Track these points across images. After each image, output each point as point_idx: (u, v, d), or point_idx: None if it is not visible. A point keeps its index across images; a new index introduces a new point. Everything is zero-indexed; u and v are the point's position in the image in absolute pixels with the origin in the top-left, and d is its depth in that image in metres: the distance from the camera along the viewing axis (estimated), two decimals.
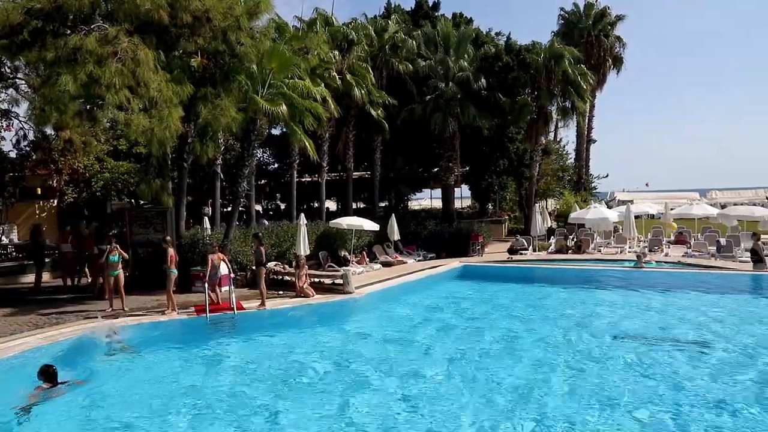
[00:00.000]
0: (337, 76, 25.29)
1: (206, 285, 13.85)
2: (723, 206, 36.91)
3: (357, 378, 9.53)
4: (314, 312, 14.76)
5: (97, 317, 12.83)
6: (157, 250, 15.20)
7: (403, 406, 8.20)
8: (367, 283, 17.50)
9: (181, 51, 15.21)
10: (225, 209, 27.47)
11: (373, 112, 28.01)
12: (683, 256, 23.23)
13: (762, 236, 25.40)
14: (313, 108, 18.94)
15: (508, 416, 7.79)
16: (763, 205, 35.18)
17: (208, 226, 21.16)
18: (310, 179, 35.40)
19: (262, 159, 36.25)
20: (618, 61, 44.08)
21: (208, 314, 13.24)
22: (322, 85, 21.95)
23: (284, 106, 17.61)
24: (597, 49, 42.49)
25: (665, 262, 21.91)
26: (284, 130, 21.83)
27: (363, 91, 26.96)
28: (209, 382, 9.44)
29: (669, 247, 25.64)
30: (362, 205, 39.48)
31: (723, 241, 24.29)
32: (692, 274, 19.15)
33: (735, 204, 36.56)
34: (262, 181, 36.89)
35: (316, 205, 32.32)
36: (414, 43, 31.30)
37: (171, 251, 13.85)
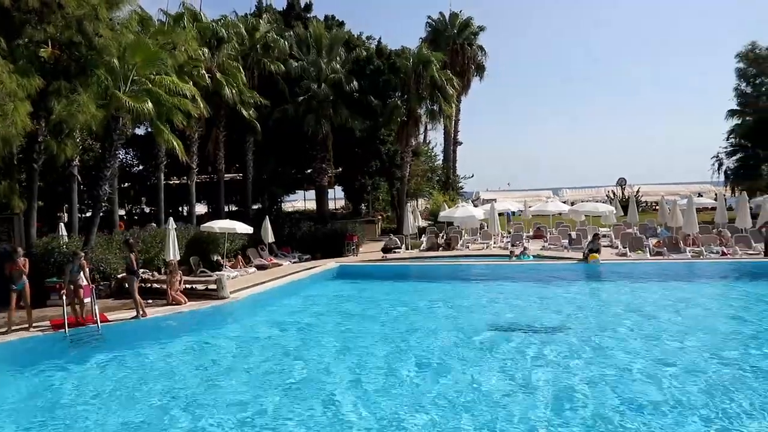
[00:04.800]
0: (206, 75, 24.35)
1: (64, 298, 12.67)
2: (572, 203, 40.65)
3: (235, 387, 9.25)
4: (187, 320, 14.08)
5: None
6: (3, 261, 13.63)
7: (274, 415, 8.05)
8: (243, 287, 17.04)
9: (27, 39, 13.82)
10: (84, 215, 25.33)
11: (245, 112, 27.34)
12: (541, 249, 25.25)
13: (602, 229, 28.65)
14: (182, 105, 18.11)
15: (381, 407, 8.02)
16: (604, 202, 39.33)
17: (65, 233, 19.39)
18: (178, 182, 33.74)
19: (125, 160, 33.90)
20: (480, 69, 46.90)
21: (66, 329, 12.15)
22: (191, 83, 21.03)
23: (150, 104, 16.63)
24: (462, 56, 44.92)
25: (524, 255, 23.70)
26: (149, 129, 20.63)
27: (234, 91, 26.23)
28: (65, 406, 8.63)
29: (528, 242, 27.74)
30: (235, 208, 38.34)
31: (573, 234, 26.84)
32: (550, 265, 20.96)
33: (582, 201, 40.37)
34: (126, 184, 34.50)
35: (186, 208, 30.88)
36: (286, 43, 31.01)
37: (20, 261, 12.47)
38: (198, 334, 13.05)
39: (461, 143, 50.07)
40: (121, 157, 30.89)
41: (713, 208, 31.21)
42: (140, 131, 29.54)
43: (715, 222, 27.14)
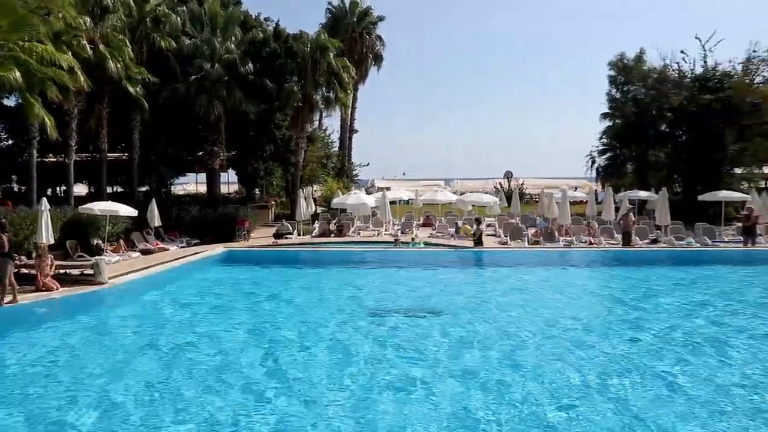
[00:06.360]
0: (88, 46, 22.87)
1: None
2: (462, 193, 42.52)
3: (100, 378, 8.88)
4: (57, 307, 13.30)
5: None
6: None
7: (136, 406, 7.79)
8: (124, 272, 16.39)
9: None
10: None
11: (131, 89, 26.01)
12: (429, 236, 26.31)
13: (487, 218, 30.37)
14: (58, 76, 16.96)
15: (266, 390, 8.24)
16: (491, 193, 41.50)
17: None
18: (55, 159, 31.47)
19: None
20: (378, 59, 47.60)
21: None
22: (70, 54, 19.70)
23: (17, 73, 15.43)
24: (360, 45, 45.37)
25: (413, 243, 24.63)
26: (20, 100, 19.12)
27: (119, 65, 24.87)
28: None
29: (418, 229, 28.82)
30: (119, 189, 36.36)
31: (460, 223, 28.20)
32: (436, 252, 21.98)
33: (471, 192, 42.33)
34: None
35: (63, 188, 28.91)
36: (178, 19, 29.76)
37: None
38: (67, 321, 12.36)
39: (357, 131, 50.71)
40: None
41: (586, 202, 33.96)
42: (10, 102, 27.29)
43: (585, 214, 29.63)
